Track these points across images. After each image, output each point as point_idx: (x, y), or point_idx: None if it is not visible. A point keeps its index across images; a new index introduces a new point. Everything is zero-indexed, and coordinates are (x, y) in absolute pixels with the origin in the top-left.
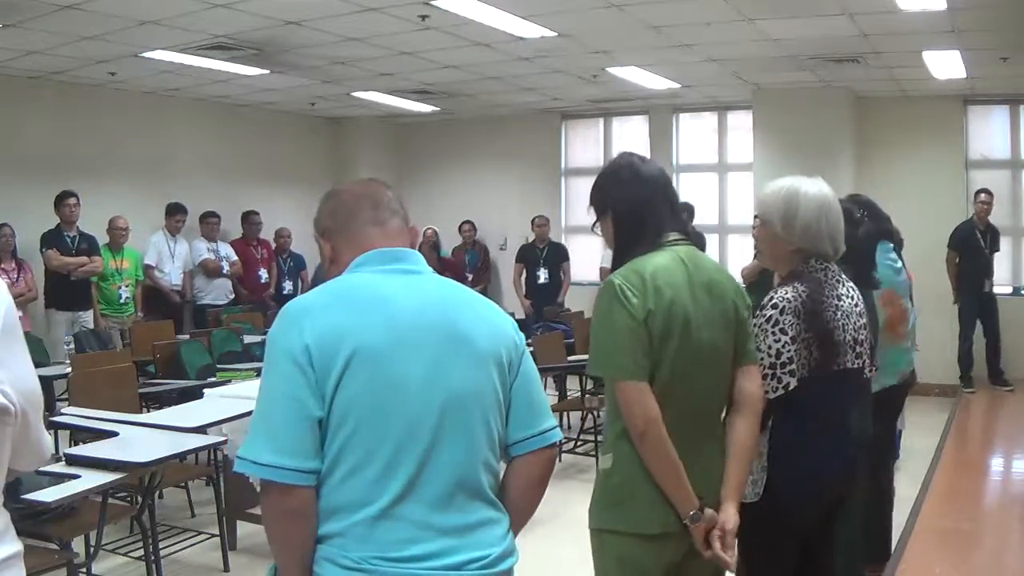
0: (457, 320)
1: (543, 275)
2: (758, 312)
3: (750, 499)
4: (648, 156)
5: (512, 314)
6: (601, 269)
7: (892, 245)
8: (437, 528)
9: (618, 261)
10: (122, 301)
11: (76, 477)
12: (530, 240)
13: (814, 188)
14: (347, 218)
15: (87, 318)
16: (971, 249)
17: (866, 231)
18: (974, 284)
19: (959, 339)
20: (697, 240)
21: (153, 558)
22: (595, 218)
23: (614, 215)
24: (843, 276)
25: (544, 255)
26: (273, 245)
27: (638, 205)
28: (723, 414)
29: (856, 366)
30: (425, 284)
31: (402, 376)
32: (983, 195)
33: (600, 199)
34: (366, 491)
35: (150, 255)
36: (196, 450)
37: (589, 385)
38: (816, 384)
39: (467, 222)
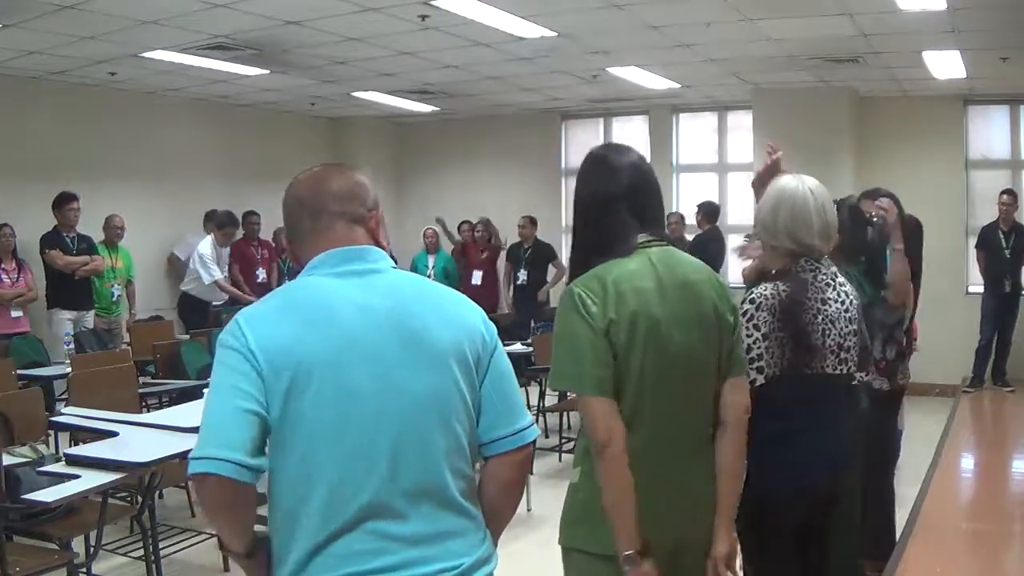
0: (413, 320)
1: (523, 276)
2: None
3: None
4: (635, 150)
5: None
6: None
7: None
8: (404, 539)
9: (575, 267)
10: (114, 299)
11: (76, 477)
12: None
13: (780, 182)
14: (292, 226)
15: (89, 318)
16: (991, 249)
17: (877, 234)
18: (995, 284)
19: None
20: (716, 240)
21: (153, 558)
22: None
23: (575, 215)
24: (837, 279)
25: (527, 256)
26: (273, 245)
27: (595, 205)
28: (710, 431)
29: (839, 371)
30: (380, 284)
31: (352, 388)
32: (1004, 196)
33: (576, 194)
34: (327, 506)
35: (214, 270)
36: None
37: None
38: (789, 385)
39: (465, 221)
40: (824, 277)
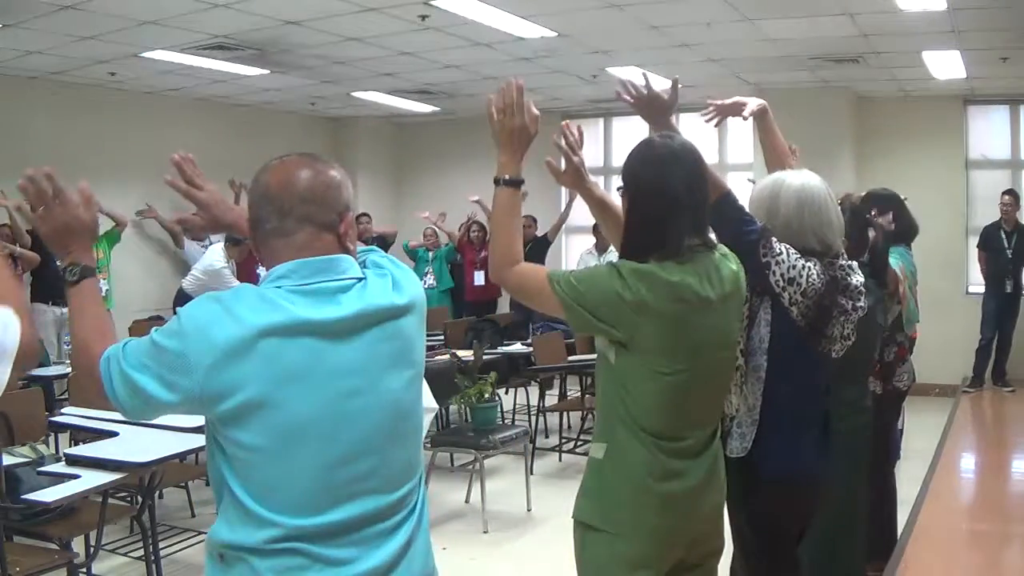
0: (380, 345)
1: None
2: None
3: (738, 454)
4: (694, 147)
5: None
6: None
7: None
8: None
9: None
10: (102, 295)
11: (76, 477)
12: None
13: (797, 181)
14: (256, 219)
15: None
16: (993, 249)
17: (884, 236)
18: (996, 284)
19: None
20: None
21: (153, 558)
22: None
23: (631, 206)
24: (852, 275)
25: (527, 251)
26: None
27: (655, 204)
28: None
29: (837, 356)
30: (346, 300)
31: (303, 414)
32: (1006, 196)
33: (625, 181)
34: (272, 518)
35: (234, 284)
36: (196, 450)
37: (589, 383)
38: (798, 355)
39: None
40: (843, 273)
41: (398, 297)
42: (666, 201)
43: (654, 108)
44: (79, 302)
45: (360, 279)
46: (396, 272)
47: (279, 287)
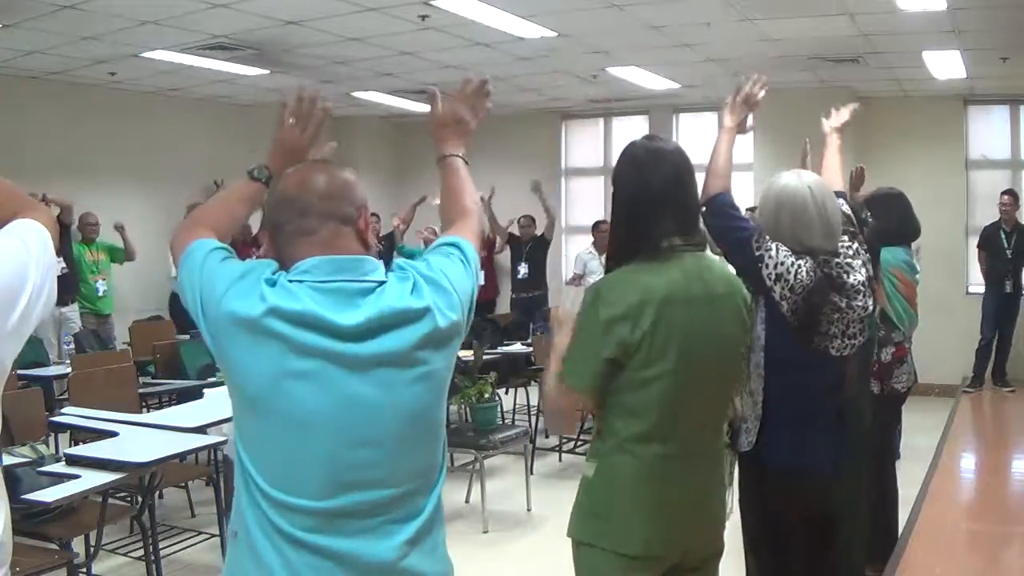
0: (399, 345)
1: (523, 270)
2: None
3: (745, 448)
4: (676, 147)
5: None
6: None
7: (903, 250)
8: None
9: (612, 264)
10: (100, 295)
11: (76, 477)
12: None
13: (781, 182)
14: (277, 224)
15: (71, 315)
16: (993, 249)
17: (873, 233)
18: (996, 284)
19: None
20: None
21: (153, 558)
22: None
23: (612, 212)
24: (848, 276)
25: (527, 251)
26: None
27: (630, 207)
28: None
29: (842, 354)
30: (367, 307)
31: (317, 411)
32: (1005, 196)
33: (613, 188)
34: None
35: None
36: (196, 450)
37: None
38: (792, 351)
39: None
40: (839, 271)
41: (415, 301)
42: (645, 202)
43: (746, 105)
44: (230, 191)
45: (382, 282)
46: (420, 277)
47: (301, 281)
